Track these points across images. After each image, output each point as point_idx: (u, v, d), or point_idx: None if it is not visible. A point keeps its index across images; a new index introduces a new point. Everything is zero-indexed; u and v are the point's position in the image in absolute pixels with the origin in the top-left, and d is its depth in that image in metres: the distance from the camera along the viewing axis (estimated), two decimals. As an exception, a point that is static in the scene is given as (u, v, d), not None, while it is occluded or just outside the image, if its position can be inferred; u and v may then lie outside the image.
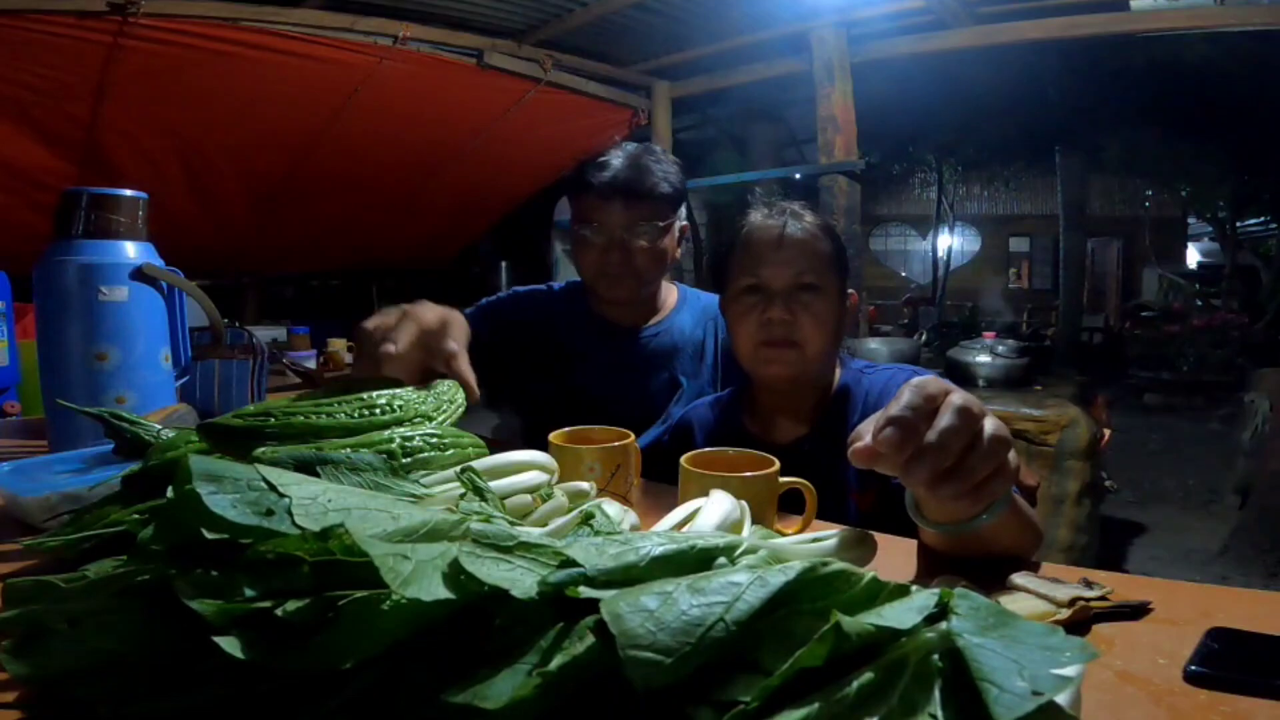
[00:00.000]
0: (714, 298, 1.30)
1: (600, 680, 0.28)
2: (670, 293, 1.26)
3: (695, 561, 0.35)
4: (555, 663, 0.27)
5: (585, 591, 0.31)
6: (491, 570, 0.32)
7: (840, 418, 0.94)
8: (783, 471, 0.67)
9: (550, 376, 1.20)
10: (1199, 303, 8.71)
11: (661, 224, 1.14)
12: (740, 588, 0.29)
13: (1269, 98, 6.04)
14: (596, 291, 1.19)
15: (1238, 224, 9.37)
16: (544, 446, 0.69)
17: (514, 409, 1.31)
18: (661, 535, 0.36)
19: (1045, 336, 8.25)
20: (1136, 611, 0.52)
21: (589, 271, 1.16)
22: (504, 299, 1.29)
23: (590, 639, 0.28)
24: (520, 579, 0.31)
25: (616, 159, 1.13)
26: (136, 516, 0.52)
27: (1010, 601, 0.51)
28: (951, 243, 11.10)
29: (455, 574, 0.32)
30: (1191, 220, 11.22)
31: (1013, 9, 3.15)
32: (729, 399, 1.06)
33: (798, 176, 4.90)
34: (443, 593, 0.31)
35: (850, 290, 0.98)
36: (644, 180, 1.11)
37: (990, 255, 12.64)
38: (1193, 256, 11.99)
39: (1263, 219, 9.45)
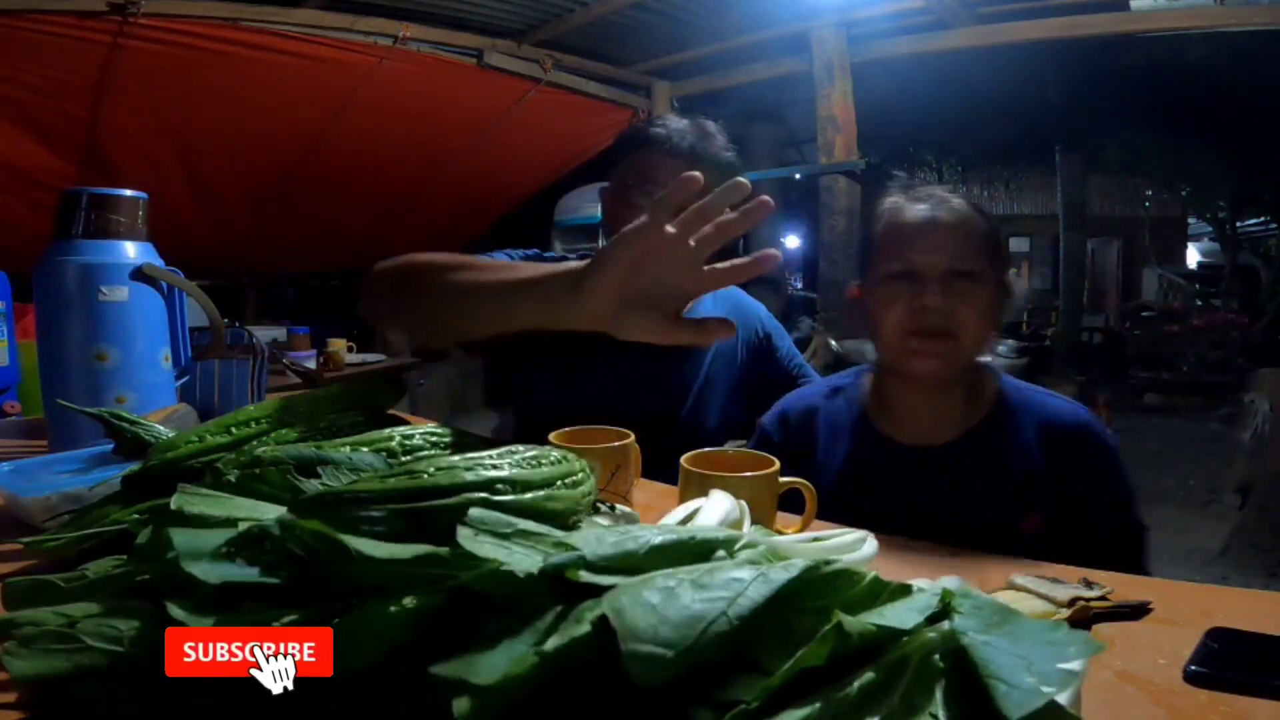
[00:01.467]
0: (731, 287, 1.21)
1: (597, 671, 0.28)
2: None
3: (695, 553, 0.35)
4: (551, 643, 0.27)
5: (585, 576, 0.30)
6: (492, 550, 0.32)
7: (1002, 428, 0.86)
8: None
9: (562, 364, 1.07)
10: (1199, 303, 8.71)
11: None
12: (743, 584, 0.29)
13: (1269, 98, 6.04)
14: None
15: (1238, 224, 9.37)
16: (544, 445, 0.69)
17: (524, 403, 1.15)
18: (661, 528, 0.36)
19: (1045, 336, 8.25)
20: (1136, 611, 0.52)
21: None
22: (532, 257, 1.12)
23: (588, 625, 0.28)
24: (519, 562, 0.32)
25: (678, 122, 1.04)
26: (136, 516, 0.52)
27: (1010, 601, 0.51)
28: (951, 243, 11.09)
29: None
30: (1191, 220, 11.22)
31: (1013, 9, 3.15)
32: (849, 390, 0.95)
33: (798, 176, 4.90)
34: (418, 549, 0.31)
35: (1006, 279, 0.88)
36: (712, 145, 1.02)
37: (990, 255, 12.64)
38: (1193, 256, 11.98)
39: (1263, 219, 9.45)
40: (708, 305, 1.16)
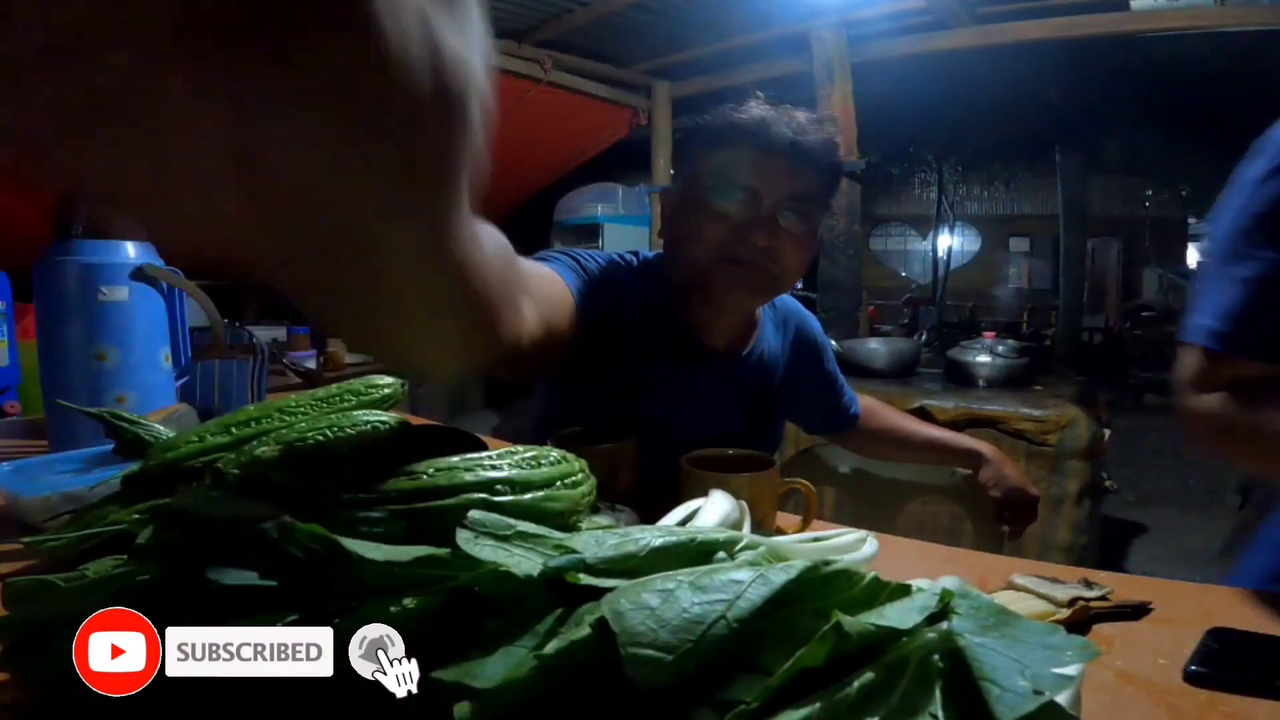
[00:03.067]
0: (788, 302, 1.06)
1: (597, 673, 0.28)
2: None
3: (695, 555, 0.35)
4: (552, 647, 0.27)
5: (584, 578, 0.31)
6: (491, 553, 0.32)
7: None
8: None
9: (617, 395, 0.86)
10: (1199, 303, 8.69)
11: (823, 205, 0.84)
12: (742, 585, 0.29)
13: (1269, 98, 6.04)
14: (709, 292, 0.84)
15: (1238, 224, 9.36)
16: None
17: (545, 410, 0.91)
18: (661, 529, 0.36)
19: (1045, 336, 8.25)
20: (1136, 611, 0.52)
21: (710, 255, 0.81)
22: (605, 261, 0.87)
23: (588, 628, 0.28)
24: (519, 564, 0.32)
25: (767, 109, 0.82)
26: (136, 516, 0.52)
27: (1010, 601, 0.51)
28: (951, 243, 11.09)
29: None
30: (1191, 220, 11.21)
31: (1013, 9, 3.15)
32: None
33: (798, 176, 4.89)
34: (417, 551, 0.31)
35: None
36: (810, 138, 0.80)
37: (990, 255, 12.64)
38: (1193, 256, 11.98)
39: (1263, 219, 9.43)
40: (771, 332, 1.00)
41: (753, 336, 0.96)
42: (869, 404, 1.18)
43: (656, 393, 0.87)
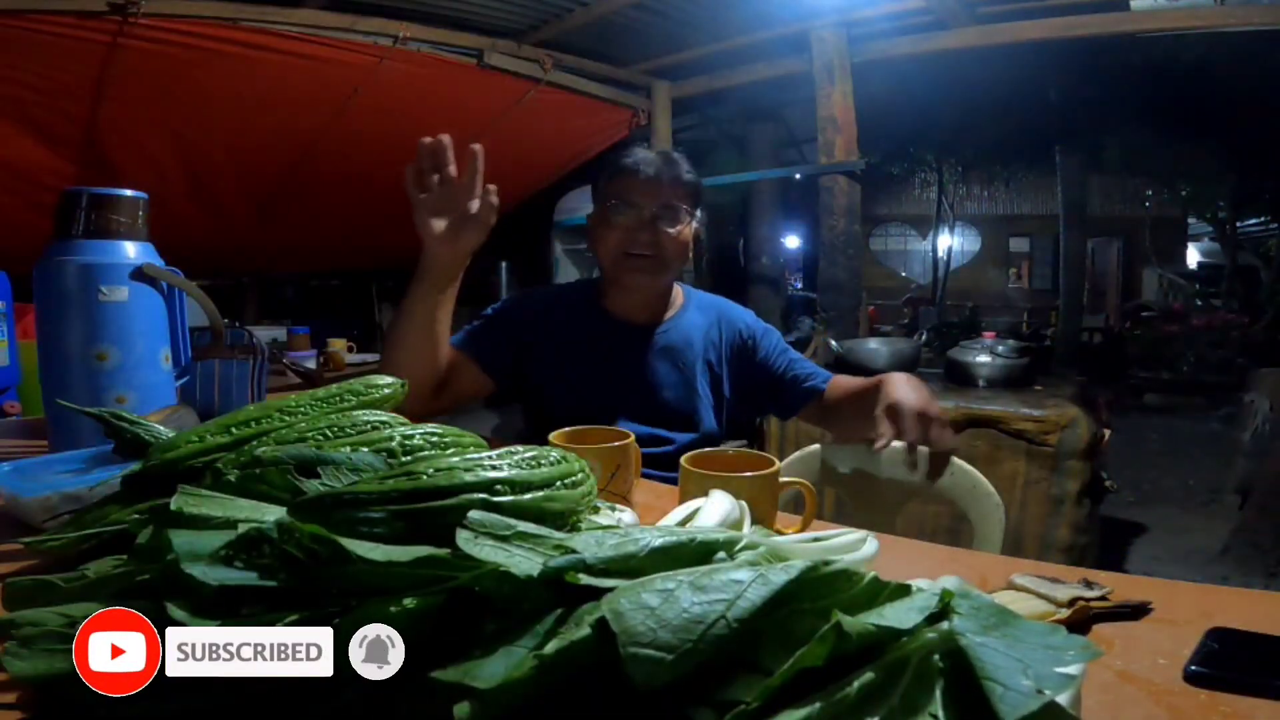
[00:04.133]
0: (716, 298, 1.31)
1: (597, 673, 0.28)
2: (678, 293, 1.28)
3: (695, 555, 0.35)
4: (551, 647, 0.27)
5: (584, 579, 0.30)
6: (491, 553, 0.32)
7: None
8: None
9: (559, 374, 1.19)
10: (1199, 303, 8.70)
11: (688, 211, 1.18)
12: (742, 585, 0.29)
13: (1269, 98, 6.04)
14: (617, 278, 1.19)
15: (1238, 224, 9.37)
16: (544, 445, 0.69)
17: (522, 407, 1.26)
18: (661, 529, 0.36)
19: (1045, 336, 8.24)
20: (1136, 611, 0.52)
21: (614, 251, 1.16)
22: (506, 303, 1.27)
23: (588, 628, 0.28)
24: (519, 564, 0.32)
25: (645, 153, 1.19)
26: (136, 516, 0.52)
27: (1010, 601, 0.51)
28: (951, 243, 11.10)
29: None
30: (1191, 220, 11.21)
31: (1013, 9, 3.15)
32: None
33: (798, 176, 4.89)
34: (418, 551, 0.31)
35: None
36: (676, 167, 1.17)
37: (990, 255, 12.65)
38: (1193, 256, 11.97)
39: (1263, 219, 9.44)
40: (693, 315, 1.25)
41: (666, 315, 1.24)
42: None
43: (592, 361, 1.18)
